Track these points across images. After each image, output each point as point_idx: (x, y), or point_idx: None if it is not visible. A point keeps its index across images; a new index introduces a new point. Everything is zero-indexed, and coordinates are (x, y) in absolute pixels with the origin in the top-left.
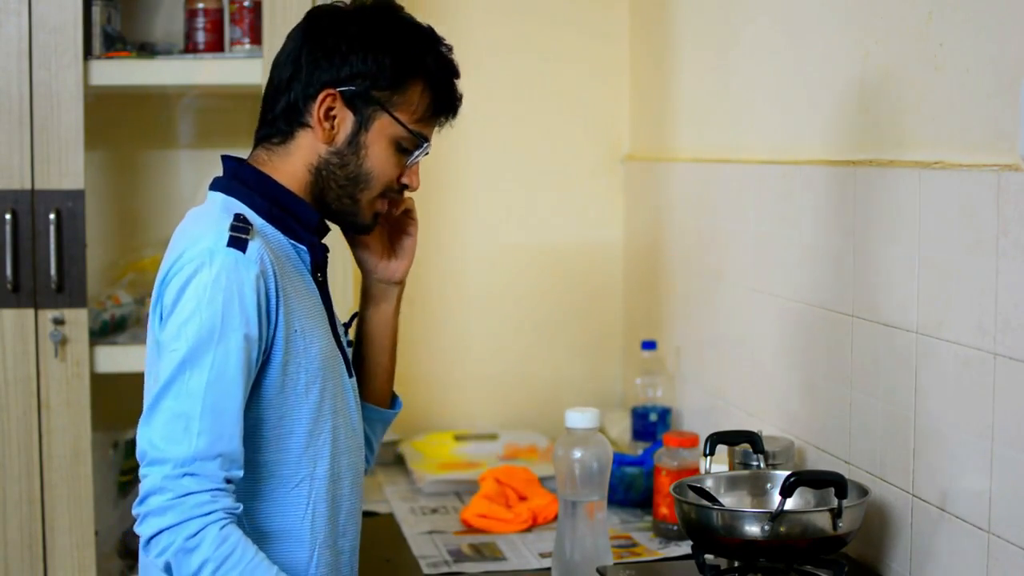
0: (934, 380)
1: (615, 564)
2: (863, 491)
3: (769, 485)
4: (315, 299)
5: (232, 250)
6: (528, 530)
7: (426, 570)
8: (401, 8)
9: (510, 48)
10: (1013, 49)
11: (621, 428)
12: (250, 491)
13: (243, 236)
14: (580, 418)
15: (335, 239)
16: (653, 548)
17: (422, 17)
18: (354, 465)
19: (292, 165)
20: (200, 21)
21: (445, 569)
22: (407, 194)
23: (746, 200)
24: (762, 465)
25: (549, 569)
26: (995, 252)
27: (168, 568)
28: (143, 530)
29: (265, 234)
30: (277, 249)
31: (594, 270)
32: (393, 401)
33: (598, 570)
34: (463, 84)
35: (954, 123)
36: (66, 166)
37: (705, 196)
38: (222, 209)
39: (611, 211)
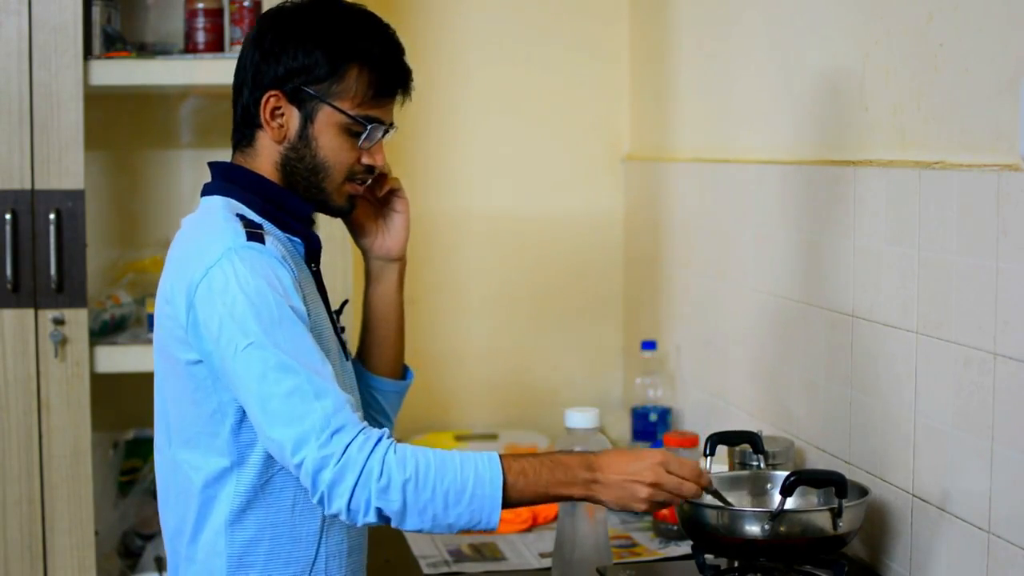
0: (934, 380)
1: (615, 564)
2: (863, 491)
3: (769, 485)
4: (313, 288)
5: (254, 243)
6: (528, 530)
7: (426, 570)
8: (333, 1)
9: (510, 48)
10: (1013, 49)
11: (621, 428)
12: (270, 469)
13: (259, 231)
14: (580, 418)
15: (335, 224)
16: (653, 548)
17: (421, 19)
18: None
19: (263, 165)
20: (200, 21)
21: (445, 569)
22: (393, 174)
23: (746, 200)
24: (762, 465)
25: (549, 569)
26: (995, 252)
27: (380, 515)
28: (336, 506)
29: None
30: (279, 243)
31: (594, 270)
32: (405, 372)
33: (598, 570)
34: (464, 81)
35: (954, 123)
36: (66, 166)
37: (705, 196)
38: (225, 209)
39: (611, 211)
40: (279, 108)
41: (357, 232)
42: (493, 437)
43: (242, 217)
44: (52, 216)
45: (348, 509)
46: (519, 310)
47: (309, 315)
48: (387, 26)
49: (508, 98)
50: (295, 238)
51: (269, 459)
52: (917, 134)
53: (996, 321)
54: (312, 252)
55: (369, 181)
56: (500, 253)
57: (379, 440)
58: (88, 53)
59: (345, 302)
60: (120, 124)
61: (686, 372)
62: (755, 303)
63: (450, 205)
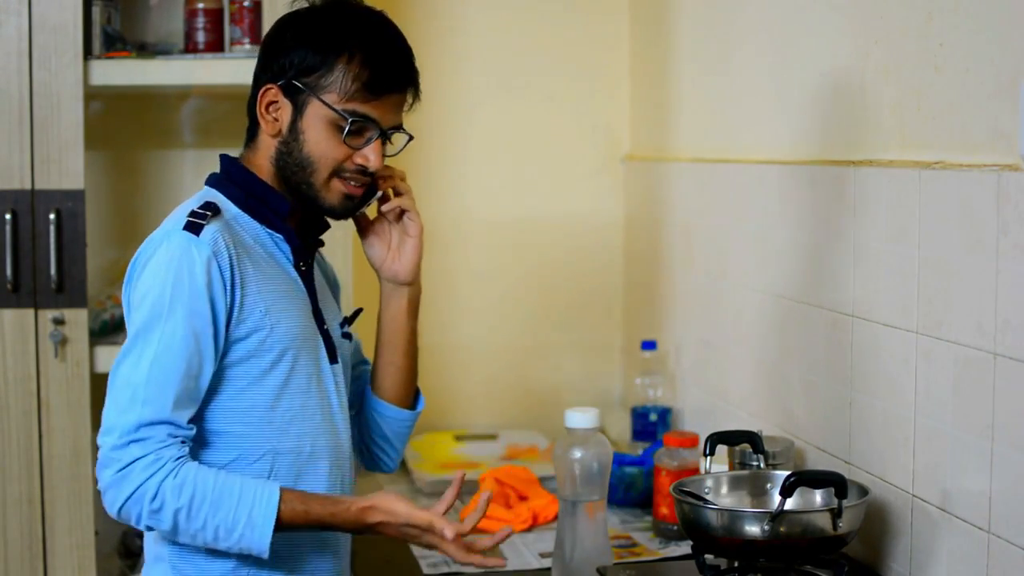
0: (934, 380)
1: (615, 564)
2: (863, 491)
3: (769, 485)
4: (291, 285)
5: (186, 233)
6: (528, 530)
7: (426, 570)
8: (347, 2)
9: (510, 48)
10: (1013, 49)
11: (621, 428)
12: (215, 461)
13: (199, 221)
14: (580, 418)
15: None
16: (653, 548)
17: (422, 18)
18: (338, 447)
19: (260, 160)
20: (200, 21)
21: (445, 569)
22: (404, 193)
23: (746, 200)
24: (762, 465)
25: (549, 569)
26: (995, 252)
27: (150, 529)
28: (107, 505)
29: (239, 222)
30: (251, 235)
31: (594, 270)
32: (415, 401)
33: (598, 570)
34: (465, 80)
35: (954, 123)
36: (66, 166)
37: (705, 196)
38: (198, 199)
39: (611, 211)
40: (275, 102)
41: (368, 250)
42: (493, 437)
43: (206, 204)
44: (52, 216)
45: (118, 514)
46: (519, 310)
47: (262, 311)
48: (390, 25)
49: (508, 98)
50: (278, 235)
51: (225, 435)
52: (917, 134)
53: (996, 321)
54: (297, 250)
55: (365, 182)
56: (500, 253)
57: (164, 463)
58: (88, 53)
59: (357, 311)
60: (120, 124)
61: (686, 372)
62: (755, 303)
63: (450, 204)
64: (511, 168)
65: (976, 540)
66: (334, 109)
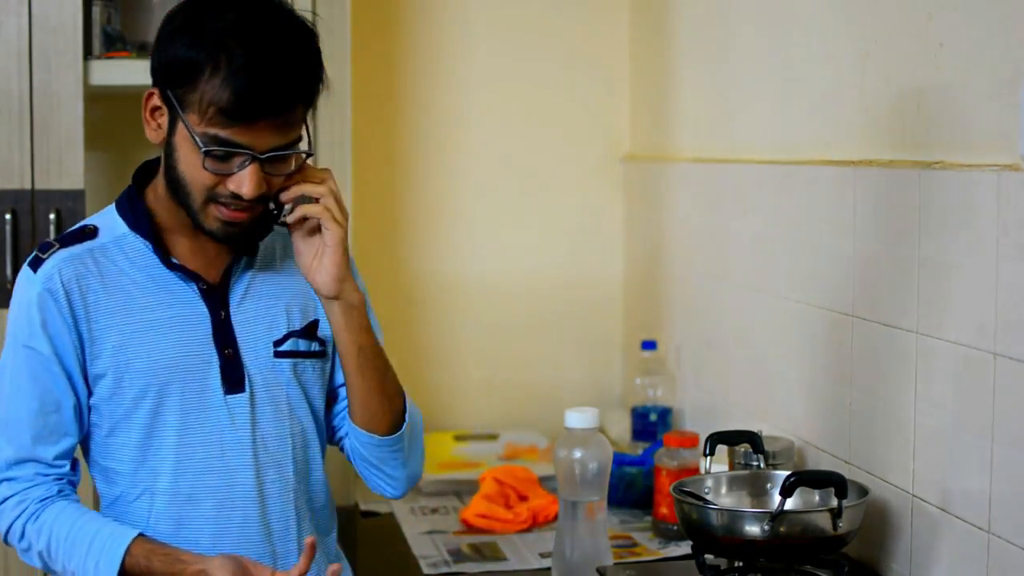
0: (934, 380)
1: (615, 564)
2: (863, 491)
3: (769, 485)
4: (181, 308)
5: (27, 268)
6: (528, 530)
7: (426, 570)
8: None
9: (510, 48)
10: (1013, 49)
11: (621, 428)
12: (106, 494)
13: (41, 255)
14: (580, 418)
15: None
16: (653, 548)
17: (420, 17)
18: (233, 487)
19: (160, 171)
20: None
21: (445, 569)
22: (319, 197)
23: (746, 200)
24: (762, 465)
25: (549, 569)
26: (995, 252)
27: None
28: None
29: (121, 245)
30: (131, 259)
31: (594, 270)
32: (397, 424)
33: (598, 570)
34: (465, 79)
35: (954, 123)
36: (66, 166)
37: (705, 196)
38: (85, 221)
39: (611, 211)
40: (159, 108)
41: (296, 258)
42: (493, 437)
43: (80, 230)
44: (52, 216)
45: (6, 544)
46: (519, 309)
47: (117, 345)
48: (281, 24)
49: (508, 98)
50: (172, 258)
51: (108, 471)
52: (917, 134)
53: (996, 321)
54: (190, 272)
55: (247, 206)
56: (499, 252)
57: (27, 506)
58: (88, 53)
59: (313, 323)
60: (120, 124)
61: (686, 372)
62: (755, 303)
63: (448, 204)
64: (511, 169)
65: (976, 540)
66: (192, 133)
